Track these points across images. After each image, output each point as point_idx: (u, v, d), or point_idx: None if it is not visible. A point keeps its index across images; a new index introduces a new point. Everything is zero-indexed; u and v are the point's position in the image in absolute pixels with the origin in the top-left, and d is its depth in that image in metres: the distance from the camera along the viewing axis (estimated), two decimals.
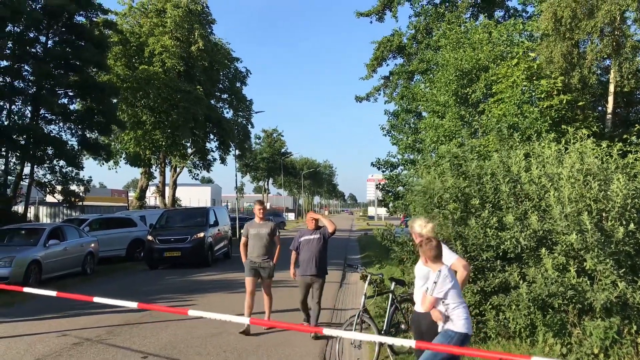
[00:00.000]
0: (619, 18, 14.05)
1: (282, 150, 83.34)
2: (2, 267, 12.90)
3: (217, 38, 38.24)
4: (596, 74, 14.91)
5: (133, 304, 4.67)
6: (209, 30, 36.76)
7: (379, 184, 21.70)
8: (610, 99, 15.03)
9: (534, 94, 12.95)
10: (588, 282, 6.39)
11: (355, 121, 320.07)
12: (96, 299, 4.86)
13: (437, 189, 8.20)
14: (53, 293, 4.46)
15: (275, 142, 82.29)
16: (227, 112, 40.49)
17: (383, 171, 21.53)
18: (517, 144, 9.11)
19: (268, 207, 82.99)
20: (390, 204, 20.53)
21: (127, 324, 9.15)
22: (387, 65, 28.06)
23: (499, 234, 7.17)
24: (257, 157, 77.06)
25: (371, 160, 22.46)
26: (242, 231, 9.15)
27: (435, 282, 4.50)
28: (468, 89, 15.49)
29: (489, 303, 7.05)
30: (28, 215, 23.90)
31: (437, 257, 4.63)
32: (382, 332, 6.76)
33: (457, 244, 7.44)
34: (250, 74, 40.65)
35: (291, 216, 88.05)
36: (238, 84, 40.30)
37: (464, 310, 4.61)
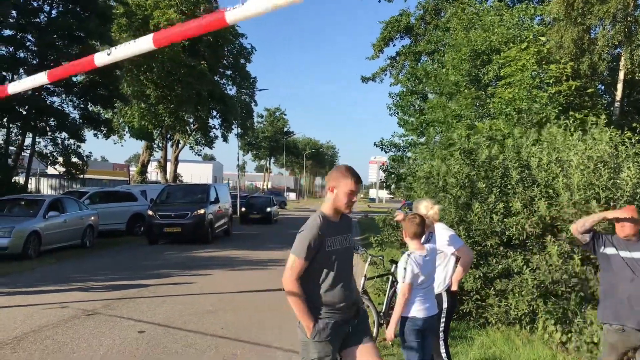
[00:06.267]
0: (632, 4, 13.81)
1: (285, 129, 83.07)
2: (1, 237, 12.82)
3: None
4: (606, 61, 14.69)
5: None
6: (215, 5, 36.34)
7: (382, 165, 21.53)
8: (620, 86, 14.85)
9: (543, 78, 12.75)
10: (592, 271, 6.31)
11: (360, 103, 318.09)
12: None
13: (443, 173, 8.06)
14: None
15: (277, 121, 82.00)
16: (231, 89, 40.23)
17: (386, 152, 21.37)
18: (528, 128, 8.94)
19: (269, 185, 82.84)
20: (393, 186, 20.42)
21: (124, 298, 9.09)
22: (394, 45, 27.82)
23: (505, 220, 7.06)
24: (260, 136, 76.83)
25: (374, 141, 22.46)
26: (307, 243, 3.32)
27: (405, 269, 4.27)
28: (481, 69, 15.23)
29: (492, 288, 6.96)
30: (29, 186, 23.84)
31: (416, 236, 4.36)
32: (381, 313, 6.69)
33: (460, 228, 7.32)
34: (255, 50, 40.27)
35: (292, 196, 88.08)
36: (242, 61, 39.91)
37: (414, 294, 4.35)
